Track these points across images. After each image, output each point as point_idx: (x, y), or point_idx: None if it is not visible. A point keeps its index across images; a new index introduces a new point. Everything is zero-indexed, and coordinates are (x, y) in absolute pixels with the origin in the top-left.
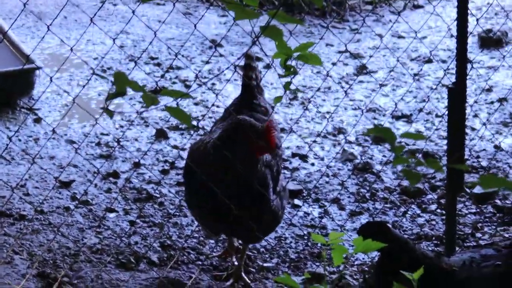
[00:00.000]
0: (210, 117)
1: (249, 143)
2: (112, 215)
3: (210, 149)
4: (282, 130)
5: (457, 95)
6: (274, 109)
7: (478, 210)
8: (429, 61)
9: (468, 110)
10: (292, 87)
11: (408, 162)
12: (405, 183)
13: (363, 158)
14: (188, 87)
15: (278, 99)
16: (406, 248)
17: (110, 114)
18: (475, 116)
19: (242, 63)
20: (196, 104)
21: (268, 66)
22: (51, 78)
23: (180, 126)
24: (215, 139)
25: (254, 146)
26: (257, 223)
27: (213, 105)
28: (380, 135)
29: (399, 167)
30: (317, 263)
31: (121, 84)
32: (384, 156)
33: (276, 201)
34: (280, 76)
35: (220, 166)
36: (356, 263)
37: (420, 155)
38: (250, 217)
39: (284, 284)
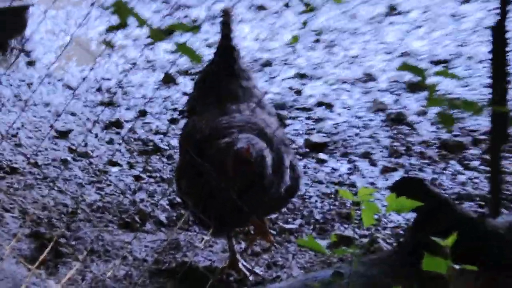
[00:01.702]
0: None
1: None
2: (114, 169)
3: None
4: (304, 76)
5: (502, 36)
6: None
7: None
8: (469, 0)
9: None
10: (316, 27)
11: (443, 103)
12: (445, 136)
13: (396, 107)
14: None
15: (294, 39)
16: (446, 208)
17: (111, 45)
18: None
19: (258, 1)
20: (209, 46)
21: (287, 5)
22: (45, 15)
23: (190, 71)
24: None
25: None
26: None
27: None
28: (412, 71)
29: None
30: (346, 225)
31: (123, 14)
32: (421, 105)
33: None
34: (301, 12)
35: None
36: (389, 225)
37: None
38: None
39: (308, 247)
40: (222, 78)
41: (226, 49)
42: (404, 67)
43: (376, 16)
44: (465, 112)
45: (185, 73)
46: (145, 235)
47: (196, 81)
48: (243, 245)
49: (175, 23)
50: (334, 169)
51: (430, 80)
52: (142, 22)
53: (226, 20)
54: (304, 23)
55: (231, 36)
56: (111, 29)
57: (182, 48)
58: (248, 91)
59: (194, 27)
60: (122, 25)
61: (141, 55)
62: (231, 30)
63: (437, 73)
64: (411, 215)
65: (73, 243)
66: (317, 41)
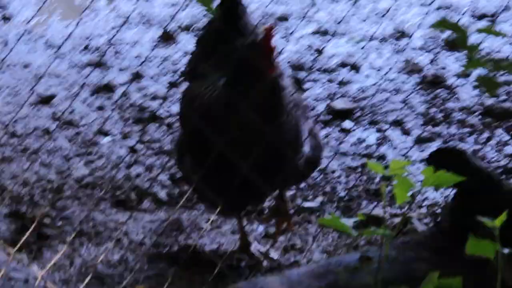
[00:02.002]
0: None
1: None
2: (106, 139)
3: (216, 102)
4: (325, 32)
5: None
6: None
7: None
8: None
9: None
10: None
11: (485, 65)
12: (490, 101)
13: (433, 68)
14: None
15: None
16: (491, 183)
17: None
18: None
19: None
20: None
21: None
22: None
23: (192, 27)
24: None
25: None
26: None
27: None
28: (448, 28)
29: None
30: (375, 203)
31: None
32: (461, 66)
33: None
34: None
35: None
36: (425, 203)
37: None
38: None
39: (332, 228)
40: (226, 36)
41: (230, 3)
42: (441, 23)
43: None
44: None
45: (187, 29)
46: (142, 215)
47: (198, 39)
48: (256, 225)
49: None
50: (361, 139)
51: (472, 38)
52: None
53: None
54: None
55: None
56: None
57: None
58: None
59: None
60: None
61: (135, 8)
62: None
63: (479, 31)
64: (450, 192)
65: (59, 223)
66: None
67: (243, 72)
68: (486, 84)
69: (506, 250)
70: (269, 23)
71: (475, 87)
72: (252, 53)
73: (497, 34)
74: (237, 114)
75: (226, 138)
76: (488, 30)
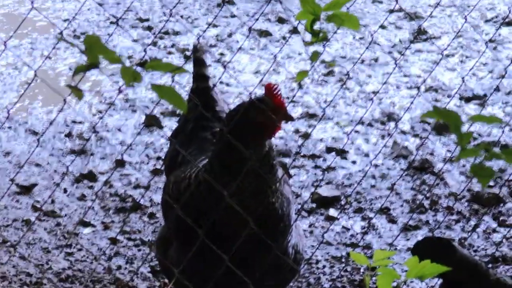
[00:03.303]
0: None
1: (253, 124)
2: (86, 230)
3: (201, 178)
4: (313, 116)
5: None
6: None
7: None
8: (510, 23)
9: None
10: (327, 58)
11: (478, 154)
12: (477, 187)
13: (420, 153)
14: (188, 58)
15: (301, 74)
16: (477, 274)
17: (79, 94)
18: None
19: (257, 25)
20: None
21: (295, 30)
22: (5, 45)
23: (178, 112)
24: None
25: (260, 124)
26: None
27: (220, 82)
28: (441, 119)
29: (468, 166)
30: None
31: (94, 52)
32: (448, 151)
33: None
34: (306, 43)
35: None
36: None
37: (498, 150)
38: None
39: None
40: (203, 124)
41: (203, 92)
42: (432, 113)
43: (398, 44)
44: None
45: (171, 114)
46: None
47: (172, 133)
48: None
49: (160, 58)
50: (346, 228)
51: (462, 121)
52: (115, 60)
53: (199, 57)
54: (313, 58)
55: (207, 76)
56: (80, 70)
57: (162, 92)
58: None
59: (178, 68)
60: (93, 65)
61: (118, 93)
62: (206, 68)
63: (472, 119)
64: (437, 282)
65: None
66: (328, 74)
67: (243, 135)
68: (479, 174)
69: None
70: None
71: (462, 173)
72: (259, 111)
73: (491, 121)
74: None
75: (212, 223)
76: (482, 118)
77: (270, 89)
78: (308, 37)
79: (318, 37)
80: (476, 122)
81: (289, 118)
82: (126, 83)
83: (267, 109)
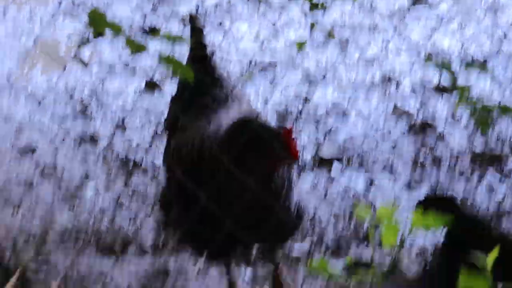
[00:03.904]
0: None
1: (262, 155)
2: (89, 190)
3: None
4: (312, 81)
5: None
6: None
7: None
8: None
9: None
10: (326, 25)
11: (475, 103)
12: (479, 146)
13: (421, 114)
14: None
15: (300, 44)
16: (480, 227)
17: (83, 62)
18: None
19: None
20: None
21: None
22: (4, 14)
23: (178, 77)
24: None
25: (270, 157)
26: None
27: (220, 49)
28: (439, 69)
29: (469, 126)
30: (363, 247)
31: (97, 25)
32: (449, 111)
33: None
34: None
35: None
36: (414, 248)
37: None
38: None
39: (321, 271)
40: (203, 89)
41: (201, 60)
42: (432, 60)
43: (398, 10)
44: (504, 118)
45: (171, 79)
46: (127, 261)
47: (172, 98)
48: (243, 269)
49: (159, 27)
50: (349, 186)
51: (463, 83)
52: (119, 31)
53: (196, 26)
54: (312, 25)
55: (205, 44)
56: (84, 43)
57: (170, 61)
58: (236, 99)
59: (179, 37)
60: (97, 35)
61: (119, 58)
62: (204, 36)
63: (467, 65)
64: (438, 238)
65: (44, 271)
66: (328, 39)
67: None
68: (478, 120)
69: (499, 286)
70: (288, 125)
71: (464, 132)
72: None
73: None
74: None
75: (213, 187)
76: (479, 67)
77: (287, 135)
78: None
79: (317, 7)
80: (475, 83)
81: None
82: (132, 52)
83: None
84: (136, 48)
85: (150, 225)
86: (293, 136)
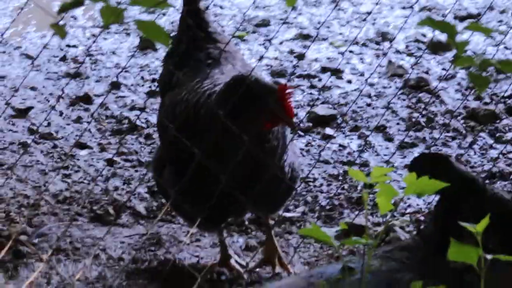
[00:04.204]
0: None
1: (258, 111)
2: (83, 152)
3: (202, 110)
4: (307, 36)
5: None
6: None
7: None
8: None
9: None
10: None
11: (473, 63)
12: (474, 104)
13: (416, 72)
14: None
15: (291, 1)
16: (475, 189)
17: (62, 33)
18: None
19: None
20: None
21: None
22: None
23: (172, 34)
24: (211, 100)
25: (265, 115)
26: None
27: (213, 4)
28: (436, 27)
29: (463, 83)
30: (356, 211)
31: None
32: (443, 69)
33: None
34: None
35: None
36: (408, 210)
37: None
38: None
39: (313, 238)
40: (197, 45)
41: (194, 14)
42: (426, 21)
43: None
44: (499, 74)
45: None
46: (120, 229)
47: (165, 56)
48: (236, 238)
49: None
50: (343, 146)
51: (457, 39)
52: None
53: None
54: None
55: None
56: (65, 8)
57: (145, 28)
58: (230, 55)
59: (161, 2)
60: (78, 2)
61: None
62: None
63: (467, 28)
64: (434, 198)
65: (36, 240)
66: None
67: (247, 106)
68: (477, 81)
69: (489, 256)
70: (283, 82)
71: (458, 90)
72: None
73: (484, 31)
74: (222, 125)
75: (208, 146)
76: (475, 27)
77: (283, 91)
78: None
79: None
80: (469, 38)
81: (292, 125)
82: (105, 23)
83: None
84: (113, 17)
85: (144, 191)
86: (288, 92)
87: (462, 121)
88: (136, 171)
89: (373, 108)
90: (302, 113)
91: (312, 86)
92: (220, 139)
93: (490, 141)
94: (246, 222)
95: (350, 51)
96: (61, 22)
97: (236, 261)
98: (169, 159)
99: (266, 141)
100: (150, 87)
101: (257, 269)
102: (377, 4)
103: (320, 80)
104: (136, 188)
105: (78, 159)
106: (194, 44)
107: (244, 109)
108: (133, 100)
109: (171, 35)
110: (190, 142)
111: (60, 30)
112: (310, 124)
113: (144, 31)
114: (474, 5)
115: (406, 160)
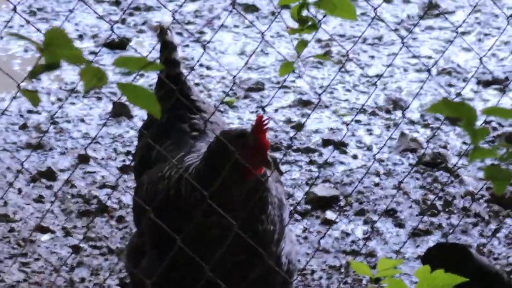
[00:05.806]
0: (197, 84)
1: (236, 164)
2: (45, 237)
3: (187, 186)
4: (308, 103)
5: None
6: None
7: None
8: None
9: None
10: (323, 36)
11: (495, 154)
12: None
13: (432, 146)
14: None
15: (286, 68)
16: (498, 284)
17: (35, 100)
18: None
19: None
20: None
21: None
22: None
23: None
24: (195, 167)
25: (242, 158)
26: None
27: (200, 64)
28: (451, 113)
29: (487, 160)
30: None
31: (55, 50)
32: (464, 143)
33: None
34: (290, 32)
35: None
36: None
37: None
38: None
39: None
40: (179, 114)
41: (175, 80)
42: (440, 106)
43: (406, 20)
44: None
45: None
46: None
47: (142, 126)
48: None
49: (130, 37)
50: (346, 233)
51: (484, 106)
52: (78, 61)
53: (166, 39)
54: (299, 48)
55: (177, 61)
56: (36, 72)
57: (131, 92)
58: (218, 126)
59: (150, 63)
60: (53, 66)
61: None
62: (176, 52)
63: (486, 112)
64: None
65: None
66: (325, 54)
67: (225, 164)
68: (495, 177)
69: None
70: (259, 113)
71: (479, 169)
72: (243, 147)
73: (505, 114)
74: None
75: (191, 230)
76: (499, 110)
77: (259, 122)
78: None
79: (306, 25)
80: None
81: (266, 164)
82: (86, 87)
83: (248, 147)
84: (94, 79)
85: (114, 283)
86: (264, 124)
87: (484, 205)
88: (106, 259)
89: (381, 189)
90: (299, 194)
91: (312, 162)
92: (203, 221)
93: None
94: None
95: (356, 121)
96: (23, 82)
97: None
98: (151, 243)
99: (259, 221)
100: (123, 161)
101: None
102: (388, 66)
103: (321, 154)
104: (106, 280)
105: (38, 246)
106: (176, 112)
107: (223, 170)
108: (103, 177)
109: None
110: (173, 224)
111: (32, 97)
112: (308, 207)
113: (130, 97)
114: (502, 68)
115: (419, 250)
